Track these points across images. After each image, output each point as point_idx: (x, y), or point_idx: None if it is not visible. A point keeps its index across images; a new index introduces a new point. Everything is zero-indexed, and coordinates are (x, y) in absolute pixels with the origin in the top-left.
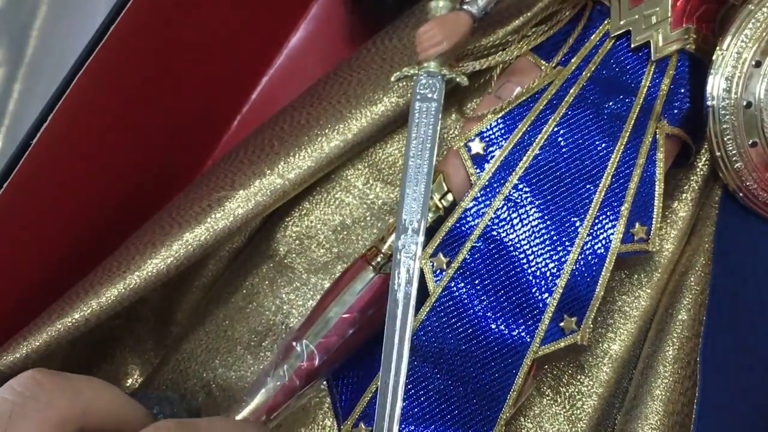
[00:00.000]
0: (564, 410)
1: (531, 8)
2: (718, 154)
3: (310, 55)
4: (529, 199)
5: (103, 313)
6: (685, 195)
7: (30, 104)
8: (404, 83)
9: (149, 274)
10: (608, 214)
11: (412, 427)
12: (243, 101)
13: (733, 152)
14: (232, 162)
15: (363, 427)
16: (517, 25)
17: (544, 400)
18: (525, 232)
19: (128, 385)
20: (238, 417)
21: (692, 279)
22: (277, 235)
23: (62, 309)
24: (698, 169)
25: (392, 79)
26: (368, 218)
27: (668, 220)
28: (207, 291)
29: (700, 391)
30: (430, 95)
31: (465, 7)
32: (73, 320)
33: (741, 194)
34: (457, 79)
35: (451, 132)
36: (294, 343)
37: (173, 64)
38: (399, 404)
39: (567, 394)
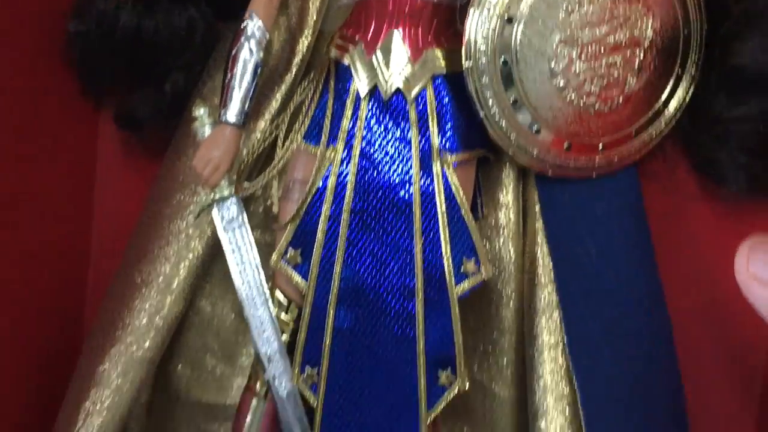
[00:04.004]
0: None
1: (275, 91)
2: (482, 114)
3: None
4: (357, 283)
5: None
6: (505, 188)
7: None
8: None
9: None
10: (432, 260)
11: None
12: None
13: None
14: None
15: None
16: (271, 114)
17: None
18: (368, 310)
19: None
20: None
21: (540, 270)
22: (172, 378)
23: None
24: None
25: (192, 219)
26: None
27: (499, 214)
28: None
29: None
30: (233, 221)
31: (224, 120)
32: None
33: (550, 173)
34: (250, 191)
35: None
36: None
37: None
38: None
39: None
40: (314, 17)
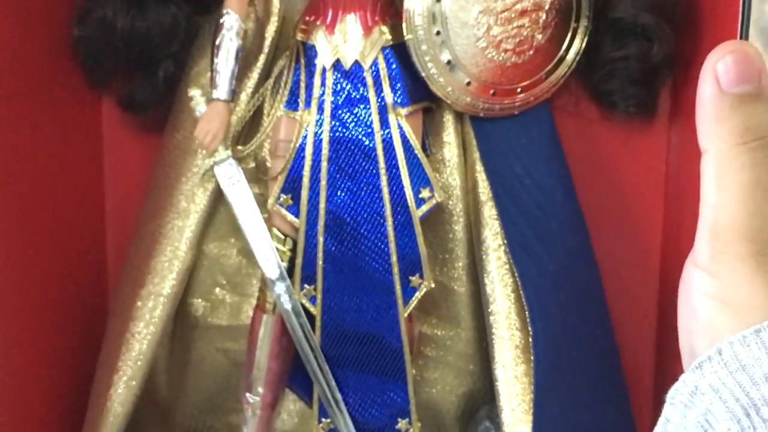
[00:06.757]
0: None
1: (252, 69)
2: (423, 74)
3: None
4: (339, 215)
5: None
6: (447, 130)
7: None
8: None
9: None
10: (396, 191)
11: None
12: None
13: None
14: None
15: (324, 420)
16: (251, 88)
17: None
18: (350, 234)
19: None
20: None
21: (480, 191)
22: (190, 310)
23: None
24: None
25: (198, 179)
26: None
27: (444, 150)
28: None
29: (520, 276)
30: (232, 177)
31: (216, 97)
32: None
33: (482, 114)
34: (245, 153)
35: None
36: (247, 395)
37: None
38: (338, 395)
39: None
40: (277, 5)
